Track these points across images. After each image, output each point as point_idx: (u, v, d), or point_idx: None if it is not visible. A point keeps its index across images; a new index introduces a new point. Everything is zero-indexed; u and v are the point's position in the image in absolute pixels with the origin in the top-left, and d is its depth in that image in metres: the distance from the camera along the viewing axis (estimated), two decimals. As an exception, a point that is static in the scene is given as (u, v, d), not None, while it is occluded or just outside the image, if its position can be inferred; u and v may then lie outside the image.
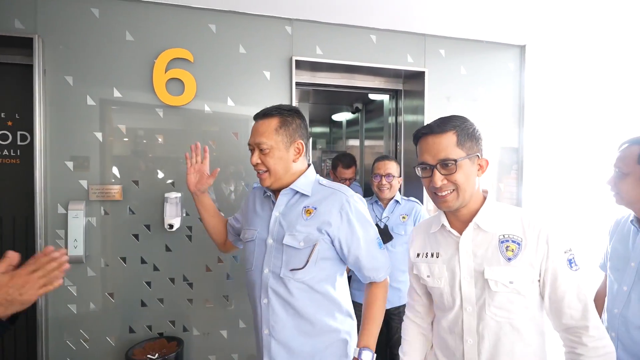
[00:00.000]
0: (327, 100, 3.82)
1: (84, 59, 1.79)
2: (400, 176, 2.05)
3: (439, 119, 0.99)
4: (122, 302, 1.88)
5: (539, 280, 0.96)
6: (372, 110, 3.39)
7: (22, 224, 1.98)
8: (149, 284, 1.90)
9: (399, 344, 1.22)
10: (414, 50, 2.23)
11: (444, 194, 0.98)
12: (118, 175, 1.85)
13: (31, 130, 1.96)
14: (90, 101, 1.81)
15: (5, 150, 1.95)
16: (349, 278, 1.95)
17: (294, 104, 2.03)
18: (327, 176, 3.50)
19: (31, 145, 1.97)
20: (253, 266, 1.23)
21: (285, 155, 1.19)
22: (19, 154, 1.97)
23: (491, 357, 0.98)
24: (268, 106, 1.22)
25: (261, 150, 1.17)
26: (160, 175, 1.91)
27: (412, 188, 2.40)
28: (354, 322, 1.27)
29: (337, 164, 2.42)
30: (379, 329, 1.18)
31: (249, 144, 1.21)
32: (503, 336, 0.96)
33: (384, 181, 1.97)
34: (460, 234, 1.01)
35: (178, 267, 1.93)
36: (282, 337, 1.16)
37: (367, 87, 2.43)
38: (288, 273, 1.15)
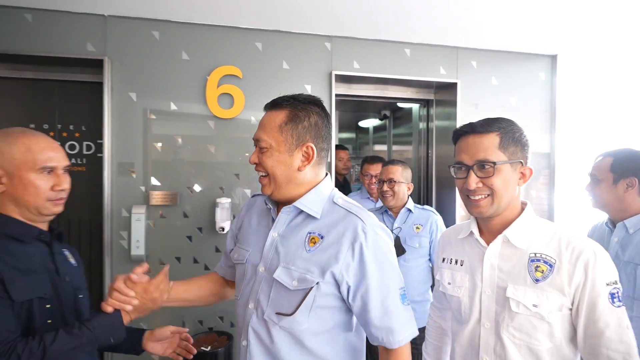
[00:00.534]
0: (355, 108, 3.94)
1: (146, 77, 1.99)
2: (409, 182, 1.87)
3: (484, 118, 0.93)
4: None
5: (570, 310, 0.85)
6: (401, 116, 3.49)
7: (87, 226, 2.19)
8: (200, 281, 2.07)
9: None
10: (447, 63, 2.33)
11: (477, 197, 0.90)
12: (174, 182, 2.03)
13: (95, 141, 2.19)
14: (151, 115, 2.01)
15: (73, 159, 2.17)
16: None
17: (333, 116, 2.16)
18: (356, 181, 3.61)
19: (95, 154, 2.19)
20: (239, 296, 0.97)
21: (288, 160, 0.91)
22: (84, 162, 2.19)
23: None
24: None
25: (260, 149, 0.92)
26: (212, 182, 2.07)
27: (444, 197, 2.49)
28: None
29: (363, 162, 2.40)
30: None
31: (253, 139, 0.96)
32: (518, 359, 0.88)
33: (386, 187, 1.83)
34: (489, 244, 0.94)
35: (226, 267, 2.09)
36: None
37: (399, 97, 2.54)
38: (273, 316, 0.87)
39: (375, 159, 2.32)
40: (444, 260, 1.06)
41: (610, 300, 0.82)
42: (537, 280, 0.87)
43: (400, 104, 3.21)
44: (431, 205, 2.54)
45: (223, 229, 1.97)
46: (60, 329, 0.86)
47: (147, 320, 1.99)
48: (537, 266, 0.88)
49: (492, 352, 0.91)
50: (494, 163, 0.88)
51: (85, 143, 2.18)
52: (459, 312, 0.99)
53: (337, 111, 3.73)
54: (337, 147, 2.89)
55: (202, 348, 1.88)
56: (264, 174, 0.92)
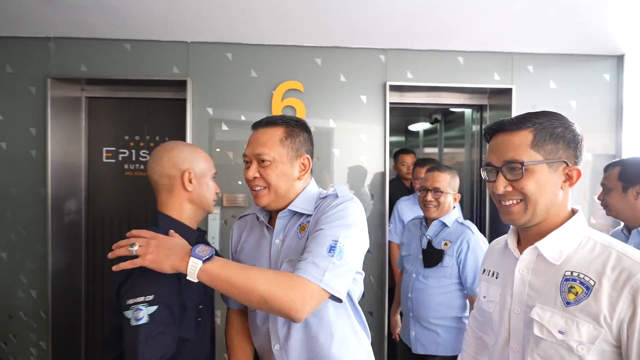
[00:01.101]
0: (405, 113, 4.00)
1: (220, 93, 2.26)
2: (456, 192, 1.68)
3: (520, 114, 0.83)
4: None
5: (615, 346, 0.70)
6: (452, 120, 3.49)
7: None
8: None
9: None
10: (501, 69, 2.34)
11: (507, 203, 0.80)
12: (244, 186, 2.28)
13: (177, 150, 2.51)
14: (224, 126, 2.28)
15: (159, 165, 2.51)
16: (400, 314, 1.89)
17: (388, 124, 2.28)
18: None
19: (177, 161, 2.51)
20: (257, 311, 1.02)
21: (290, 171, 1.00)
22: (167, 168, 2.52)
23: None
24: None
25: (261, 162, 0.98)
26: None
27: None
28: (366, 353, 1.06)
29: (415, 166, 2.37)
30: (237, 277, 0.83)
31: (244, 156, 1.02)
32: None
33: (430, 197, 1.62)
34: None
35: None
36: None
37: (451, 103, 2.59)
38: None
39: (427, 161, 2.27)
40: (484, 271, 0.97)
41: None
42: (568, 304, 0.73)
43: (452, 108, 3.24)
44: (484, 211, 2.54)
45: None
46: None
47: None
48: (571, 286, 0.74)
49: None
50: (522, 163, 0.76)
51: (168, 151, 2.51)
52: (490, 330, 0.91)
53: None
54: (401, 151, 2.93)
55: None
56: (262, 187, 0.98)
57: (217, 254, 0.89)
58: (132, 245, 0.83)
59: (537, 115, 0.79)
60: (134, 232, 0.89)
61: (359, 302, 1.07)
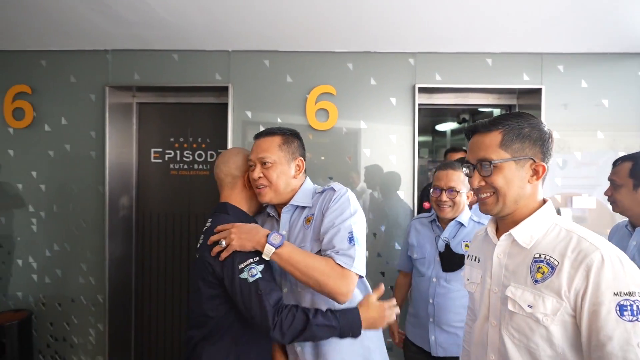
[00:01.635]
0: (433, 113, 4.05)
1: (258, 97, 2.43)
2: (469, 190, 1.61)
3: (494, 117, 0.92)
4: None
5: (573, 316, 0.80)
6: (481, 119, 3.51)
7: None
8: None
9: None
10: (531, 69, 2.38)
11: (483, 196, 0.91)
12: (279, 184, 2.44)
13: (217, 150, 2.70)
14: (261, 128, 2.44)
15: (201, 165, 2.72)
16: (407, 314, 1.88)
17: (416, 125, 2.37)
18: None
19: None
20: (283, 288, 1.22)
21: (287, 171, 1.20)
22: (208, 167, 2.72)
23: None
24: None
25: (264, 164, 1.18)
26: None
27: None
28: (379, 338, 1.24)
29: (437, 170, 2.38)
30: (303, 262, 1.05)
31: (249, 160, 1.23)
32: None
33: (445, 197, 1.57)
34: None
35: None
36: None
37: (480, 104, 2.64)
38: (301, 286, 1.15)
39: (448, 165, 1.99)
40: (468, 257, 1.07)
41: (619, 312, 0.74)
42: (536, 282, 0.84)
43: (481, 108, 3.26)
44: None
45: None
46: (317, 309, 1.08)
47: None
48: (539, 267, 0.84)
49: (497, 350, 0.90)
50: (491, 161, 0.87)
51: (209, 152, 2.72)
52: (473, 308, 1.02)
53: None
54: (450, 149, 2.95)
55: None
56: (265, 185, 1.18)
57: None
58: (220, 242, 1.08)
59: (507, 118, 0.90)
60: (219, 227, 1.12)
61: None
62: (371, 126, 2.41)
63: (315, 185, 1.29)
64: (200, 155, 2.72)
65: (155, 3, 1.80)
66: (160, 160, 2.74)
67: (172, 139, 2.74)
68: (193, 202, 2.74)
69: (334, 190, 1.19)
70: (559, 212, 2.38)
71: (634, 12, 1.87)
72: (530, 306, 0.83)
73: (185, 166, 2.73)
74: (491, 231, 0.97)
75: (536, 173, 0.89)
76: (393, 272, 2.34)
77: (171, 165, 2.74)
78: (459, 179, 1.57)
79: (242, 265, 1.06)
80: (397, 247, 2.40)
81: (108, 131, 2.42)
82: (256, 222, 1.27)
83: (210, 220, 1.20)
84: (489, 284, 0.94)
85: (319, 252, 1.13)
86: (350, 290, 1.07)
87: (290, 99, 2.41)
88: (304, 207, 1.21)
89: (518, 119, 0.89)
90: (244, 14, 1.92)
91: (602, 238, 0.83)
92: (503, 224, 0.95)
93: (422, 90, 2.42)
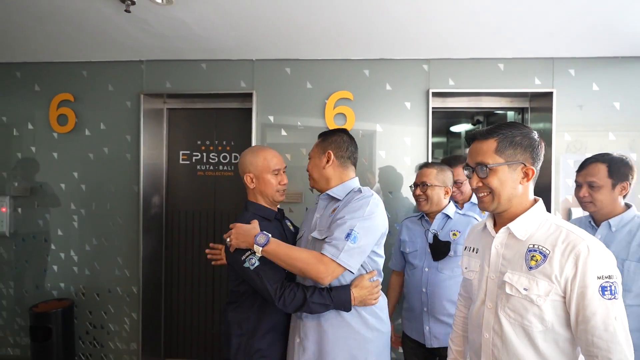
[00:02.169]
0: (447, 115, 4.12)
1: (280, 103, 2.59)
2: (446, 186, 1.76)
3: (490, 126, 1.05)
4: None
5: (563, 297, 0.93)
6: (494, 121, 3.58)
7: (234, 219, 2.88)
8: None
9: None
10: (542, 73, 2.46)
11: (481, 195, 1.04)
12: (300, 184, 2.59)
13: (240, 153, 2.88)
14: (283, 132, 2.60)
15: (226, 166, 2.90)
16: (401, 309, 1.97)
17: (430, 128, 2.49)
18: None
19: (241, 162, 2.87)
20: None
21: (319, 163, 1.44)
22: (232, 169, 2.90)
23: (500, 354, 1.00)
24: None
25: (309, 160, 1.51)
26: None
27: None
28: (384, 332, 1.39)
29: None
30: (286, 256, 1.24)
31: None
32: (514, 338, 0.97)
33: (418, 191, 1.76)
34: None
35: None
36: (307, 321, 1.37)
37: (492, 107, 2.72)
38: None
39: (425, 164, 1.91)
40: (466, 248, 1.20)
41: (601, 292, 0.87)
42: (530, 268, 0.96)
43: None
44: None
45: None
46: (314, 287, 1.28)
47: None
48: (532, 255, 0.96)
49: (492, 330, 1.02)
50: (487, 165, 1.00)
51: (233, 154, 2.89)
52: (471, 293, 1.14)
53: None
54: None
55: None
56: (309, 175, 1.48)
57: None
58: (226, 239, 1.32)
59: (502, 127, 1.02)
60: (231, 225, 1.33)
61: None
62: (386, 129, 2.53)
63: (358, 185, 1.45)
64: (225, 157, 2.91)
65: (191, 21, 1.98)
66: (188, 162, 2.94)
67: (199, 142, 2.93)
68: (218, 201, 2.92)
69: (361, 192, 1.37)
70: (571, 213, 2.45)
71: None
72: (525, 289, 0.95)
73: (211, 167, 2.92)
74: (490, 226, 1.10)
75: (526, 175, 1.01)
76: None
77: (198, 167, 2.93)
78: (432, 175, 1.73)
79: (243, 257, 1.30)
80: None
81: (142, 135, 2.63)
82: (280, 213, 1.50)
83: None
84: (487, 272, 1.06)
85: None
86: (329, 275, 1.23)
87: (310, 104, 2.56)
88: (336, 199, 1.40)
89: (512, 128, 1.01)
90: (267, 26, 2.08)
91: (585, 231, 0.97)
92: (500, 219, 1.07)
93: (436, 94, 2.53)
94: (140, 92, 2.63)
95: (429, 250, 1.73)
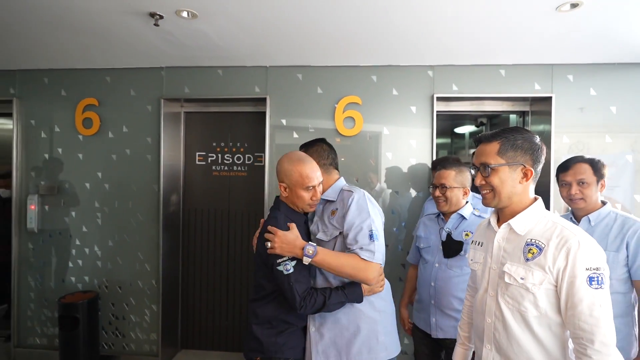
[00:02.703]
0: (451, 117, 4.25)
1: (292, 107, 2.74)
2: (464, 187, 1.79)
3: (495, 130, 1.15)
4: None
5: (555, 286, 1.03)
6: (497, 123, 3.70)
7: (247, 217, 3.05)
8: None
9: None
10: (542, 79, 2.58)
11: (484, 192, 1.14)
12: (310, 184, 2.74)
13: (254, 154, 3.03)
14: (294, 134, 2.75)
15: (240, 167, 3.05)
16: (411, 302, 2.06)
17: (434, 131, 2.62)
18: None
19: (253, 163, 3.03)
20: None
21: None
22: (246, 169, 3.05)
23: (501, 337, 1.11)
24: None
25: None
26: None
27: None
28: (389, 313, 1.53)
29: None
30: (335, 263, 1.36)
31: None
32: (512, 322, 1.08)
33: (437, 192, 1.80)
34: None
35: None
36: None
37: (494, 110, 2.85)
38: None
39: (443, 163, 1.89)
40: (473, 242, 1.31)
41: (588, 282, 0.98)
42: (527, 260, 1.06)
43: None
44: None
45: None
46: (330, 289, 1.41)
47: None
48: (530, 249, 1.07)
49: (493, 315, 1.13)
50: (489, 165, 1.10)
51: (247, 155, 3.05)
52: (475, 282, 1.26)
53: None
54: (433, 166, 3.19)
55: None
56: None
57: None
58: (266, 242, 1.37)
59: (505, 131, 1.13)
60: (270, 229, 1.38)
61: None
62: (393, 132, 2.67)
63: (345, 183, 1.59)
64: (238, 159, 3.06)
65: (212, 32, 2.13)
66: (203, 163, 3.10)
67: (214, 144, 3.09)
68: (232, 200, 3.08)
69: (352, 192, 1.49)
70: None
71: (639, 24, 2.05)
72: (522, 278, 1.06)
73: (226, 168, 3.07)
74: (493, 221, 1.20)
75: (525, 176, 1.11)
76: (413, 264, 2.59)
77: (213, 167, 3.09)
78: (450, 177, 1.76)
79: (279, 260, 1.37)
80: (417, 241, 2.65)
81: (162, 137, 2.79)
82: (304, 216, 1.57)
83: (269, 212, 1.53)
84: (489, 263, 1.17)
85: (340, 236, 1.44)
86: (375, 277, 1.40)
87: (321, 108, 2.70)
88: (331, 201, 1.52)
89: (514, 132, 1.12)
90: (280, 35, 2.21)
91: (578, 227, 1.07)
92: (503, 215, 1.17)
93: (440, 99, 2.67)
94: (161, 97, 2.79)
95: (441, 247, 1.80)
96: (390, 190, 2.71)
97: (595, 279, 0.97)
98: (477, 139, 1.18)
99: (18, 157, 2.91)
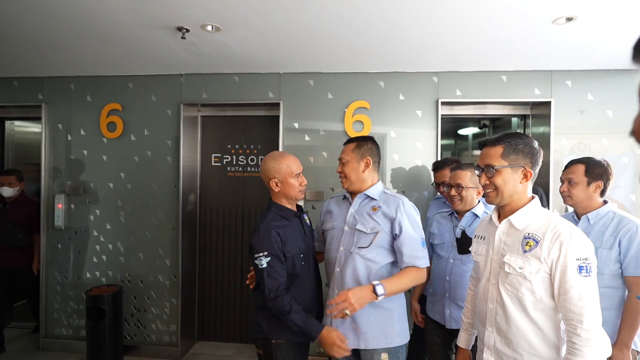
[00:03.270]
0: (455, 119, 4.38)
1: (304, 111, 2.90)
2: (479, 187, 1.86)
3: (498, 135, 1.25)
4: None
5: (549, 274, 1.14)
6: (500, 125, 3.83)
7: (259, 214, 3.20)
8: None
9: None
10: (541, 84, 2.72)
11: (488, 191, 1.25)
12: (321, 183, 2.90)
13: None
14: (306, 137, 2.91)
15: (253, 168, 3.21)
16: (423, 297, 2.11)
17: (439, 133, 2.77)
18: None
19: (267, 164, 3.19)
20: (330, 246, 1.68)
21: (357, 167, 1.60)
22: (259, 170, 3.21)
23: (501, 321, 1.22)
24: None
25: (342, 163, 1.64)
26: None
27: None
28: (402, 304, 1.63)
29: (435, 171, 2.47)
30: (399, 286, 1.49)
31: (339, 159, 1.68)
32: (511, 307, 1.20)
33: (454, 192, 1.88)
34: None
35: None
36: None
37: (496, 114, 2.99)
38: (356, 249, 1.57)
39: (458, 166, 2.04)
40: (476, 236, 1.42)
41: (578, 270, 1.10)
42: (525, 251, 1.18)
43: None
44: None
45: (356, 218, 2.75)
46: (304, 311, 1.49)
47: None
48: (527, 242, 1.18)
49: (495, 301, 1.25)
50: (493, 167, 1.21)
51: (260, 157, 3.21)
52: (478, 273, 1.37)
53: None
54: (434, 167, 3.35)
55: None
56: (343, 177, 1.65)
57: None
58: (345, 311, 1.41)
59: (508, 136, 1.24)
60: (336, 300, 1.44)
61: None
62: (399, 134, 2.82)
63: (384, 186, 1.71)
64: (252, 160, 3.23)
65: (233, 43, 2.30)
66: (219, 164, 3.26)
67: (229, 146, 3.25)
68: (246, 199, 3.24)
69: (397, 199, 1.60)
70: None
71: (634, 32, 2.18)
72: (520, 268, 1.18)
73: (240, 169, 3.24)
74: (495, 217, 1.31)
75: (525, 177, 1.22)
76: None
77: (228, 168, 3.26)
78: (466, 177, 1.84)
79: (255, 255, 1.52)
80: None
81: (182, 140, 2.96)
82: (298, 213, 1.69)
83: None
84: (491, 255, 1.29)
85: (381, 233, 1.55)
86: (425, 274, 1.58)
87: (331, 112, 2.86)
88: (372, 199, 1.63)
89: (516, 138, 1.23)
90: (294, 44, 2.37)
91: (570, 222, 1.18)
92: (503, 212, 1.28)
93: (445, 103, 2.81)
94: (180, 102, 2.96)
95: (455, 243, 1.89)
96: (396, 190, 2.86)
97: (584, 267, 1.09)
98: (482, 143, 1.29)
99: (46, 158, 3.10)
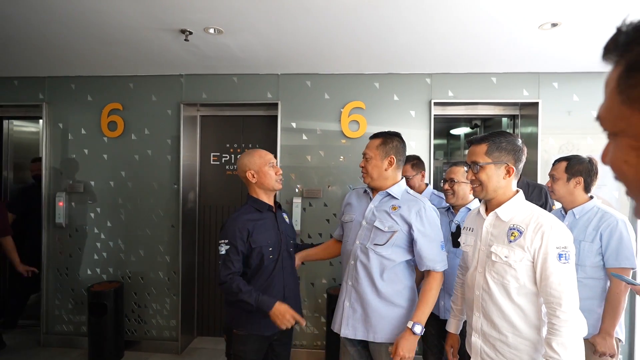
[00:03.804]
0: (448, 119, 4.50)
1: (302, 111, 2.98)
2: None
3: (484, 134, 1.34)
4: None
5: (532, 262, 1.24)
6: (491, 125, 3.95)
7: (259, 210, 3.28)
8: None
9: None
10: (529, 86, 2.84)
11: (474, 186, 1.35)
12: (318, 181, 2.98)
13: (265, 154, 3.27)
14: (304, 136, 2.99)
15: (252, 166, 3.29)
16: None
17: (432, 133, 2.87)
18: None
19: (265, 163, 3.27)
20: (348, 239, 1.68)
21: (380, 164, 1.58)
22: (258, 168, 3.29)
23: (487, 305, 1.32)
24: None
25: (366, 159, 1.62)
26: (343, 181, 2.97)
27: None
28: (413, 301, 1.61)
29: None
30: (430, 308, 1.52)
31: (363, 154, 1.66)
32: (496, 292, 1.29)
33: (447, 186, 1.99)
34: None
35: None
36: (359, 289, 1.61)
37: (487, 114, 3.10)
38: (372, 246, 1.58)
39: (455, 162, 2.17)
40: (465, 228, 1.51)
41: (558, 258, 1.20)
42: (510, 241, 1.28)
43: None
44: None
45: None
46: (252, 290, 1.54)
47: (301, 274, 2.96)
48: (512, 232, 1.28)
49: (481, 288, 1.35)
50: (478, 163, 1.31)
51: (258, 155, 3.28)
52: (466, 262, 1.47)
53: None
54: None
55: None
56: (364, 172, 1.63)
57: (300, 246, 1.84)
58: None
59: (493, 135, 1.33)
60: (392, 353, 1.51)
61: None
62: (394, 134, 2.91)
63: (408, 187, 1.68)
64: (251, 158, 3.30)
65: (234, 45, 2.37)
66: (217, 163, 3.33)
67: (227, 145, 3.32)
68: (244, 197, 3.29)
69: (418, 201, 1.60)
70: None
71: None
72: (506, 257, 1.28)
73: (239, 167, 3.31)
74: (482, 210, 1.42)
75: (508, 172, 1.32)
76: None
77: (226, 167, 3.33)
78: (459, 173, 1.95)
79: (220, 241, 1.61)
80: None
81: (182, 139, 3.03)
82: (269, 205, 1.72)
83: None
84: (479, 245, 1.39)
85: (399, 232, 1.55)
86: (443, 276, 1.59)
87: (328, 112, 2.95)
88: (393, 197, 1.61)
89: (499, 136, 1.32)
90: (292, 46, 2.45)
91: (550, 214, 1.30)
92: (490, 205, 1.38)
93: (437, 104, 2.92)
94: (180, 102, 3.03)
95: (450, 237, 1.97)
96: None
97: (564, 255, 1.19)
98: (469, 141, 1.39)
99: (47, 157, 3.14)
